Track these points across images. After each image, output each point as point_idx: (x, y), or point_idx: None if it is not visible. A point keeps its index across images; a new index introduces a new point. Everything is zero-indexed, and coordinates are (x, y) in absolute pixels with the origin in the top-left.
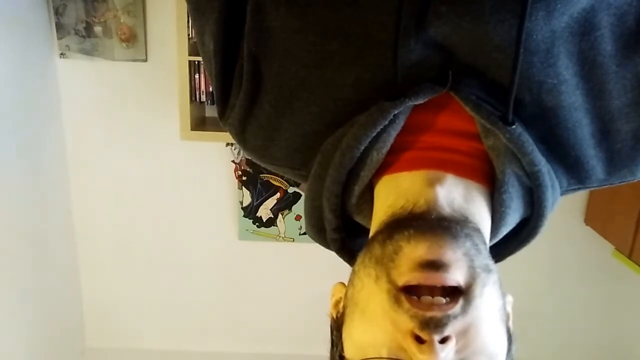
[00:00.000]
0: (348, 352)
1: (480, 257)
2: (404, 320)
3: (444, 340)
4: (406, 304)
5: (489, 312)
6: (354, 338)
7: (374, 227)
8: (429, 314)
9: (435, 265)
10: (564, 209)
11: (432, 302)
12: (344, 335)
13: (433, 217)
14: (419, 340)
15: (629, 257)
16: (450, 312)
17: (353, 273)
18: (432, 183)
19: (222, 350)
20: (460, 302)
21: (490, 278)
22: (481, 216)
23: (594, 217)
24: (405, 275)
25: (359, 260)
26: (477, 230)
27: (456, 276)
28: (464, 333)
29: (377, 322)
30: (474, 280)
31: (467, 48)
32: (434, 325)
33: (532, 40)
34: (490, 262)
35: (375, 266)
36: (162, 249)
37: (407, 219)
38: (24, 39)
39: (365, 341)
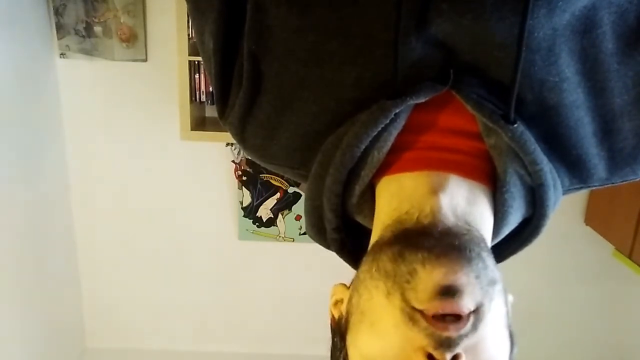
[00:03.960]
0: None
1: (488, 273)
2: (419, 338)
3: (455, 358)
4: (423, 323)
5: (496, 324)
6: (361, 349)
7: (376, 229)
8: (445, 334)
9: (450, 292)
10: (564, 209)
11: (446, 321)
12: (348, 342)
13: (439, 229)
14: (431, 358)
15: (629, 257)
16: (462, 331)
17: (358, 280)
18: (435, 189)
19: (222, 350)
20: (471, 320)
21: (496, 290)
22: (484, 217)
23: (594, 217)
24: (424, 304)
25: (365, 268)
26: (482, 241)
27: (468, 303)
28: (472, 348)
29: (388, 337)
30: (483, 299)
31: (468, 46)
32: (447, 344)
33: (534, 38)
34: (495, 273)
35: (386, 281)
36: (162, 249)
37: (415, 233)
38: (24, 39)
39: (374, 353)
